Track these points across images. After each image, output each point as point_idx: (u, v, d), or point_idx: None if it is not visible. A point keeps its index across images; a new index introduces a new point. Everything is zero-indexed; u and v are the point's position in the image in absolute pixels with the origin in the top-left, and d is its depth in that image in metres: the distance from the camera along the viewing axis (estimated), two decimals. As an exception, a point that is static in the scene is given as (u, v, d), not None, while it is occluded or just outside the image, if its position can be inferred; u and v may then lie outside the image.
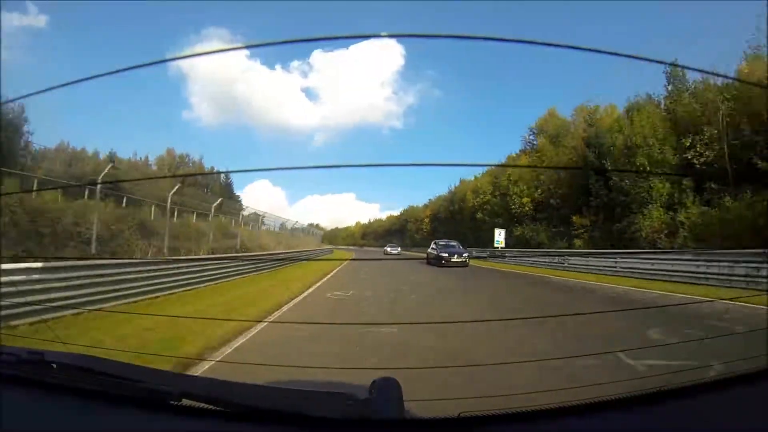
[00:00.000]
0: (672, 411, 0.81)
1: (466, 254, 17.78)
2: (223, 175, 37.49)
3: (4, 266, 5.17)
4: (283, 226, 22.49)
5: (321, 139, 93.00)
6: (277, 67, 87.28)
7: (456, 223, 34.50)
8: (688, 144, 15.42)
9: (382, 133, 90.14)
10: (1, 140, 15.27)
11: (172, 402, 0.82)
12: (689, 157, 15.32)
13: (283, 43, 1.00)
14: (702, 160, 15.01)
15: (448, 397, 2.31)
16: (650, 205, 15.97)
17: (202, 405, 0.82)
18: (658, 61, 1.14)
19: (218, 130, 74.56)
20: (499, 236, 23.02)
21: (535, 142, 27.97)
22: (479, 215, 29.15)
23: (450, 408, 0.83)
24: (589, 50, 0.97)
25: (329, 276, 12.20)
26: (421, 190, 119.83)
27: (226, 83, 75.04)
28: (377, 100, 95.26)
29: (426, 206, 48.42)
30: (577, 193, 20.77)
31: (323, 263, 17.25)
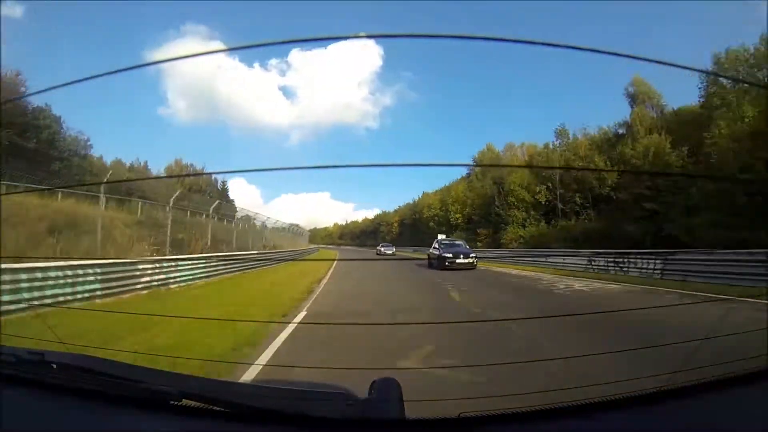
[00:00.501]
0: (672, 411, 0.81)
1: (473, 255, 15.62)
2: (220, 181, 37.48)
3: (5, 266, 5.17)
4: (263, 225, 21.64)
5: (297, 137, 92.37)
6: (256, 65, 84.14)
7: (417, 228, 45.44)
8: (537, 190, 28.48)
9: (358, 133, 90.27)
10: (2, 140, 15.23)
11: (172, 402, 0.82)
12: (539, 198, 28.51)
13: (283, 43, 1.00)
14: (545, 200, 28.43)
15: (448, 397, 2.31)
16: (509, 225, 29.41)
17: (202, 405, 0.82)
18: (657, 62, 1.14)
19: (194, 126, 73.40)
20: (441, 239, 32.74)
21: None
22: (431, 224, 40.10)
23: (450, 408, 0.83)
24: (589, 50, 0.97)
25: (323, 284, 10.14)
26: (395, 190, 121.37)
27: (203, 80, 73.74)
28: (354, 100, 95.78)
29: (395, 212, 62.01)
30: (482, 214, 33.80)
31: (311, 264, 15.97)
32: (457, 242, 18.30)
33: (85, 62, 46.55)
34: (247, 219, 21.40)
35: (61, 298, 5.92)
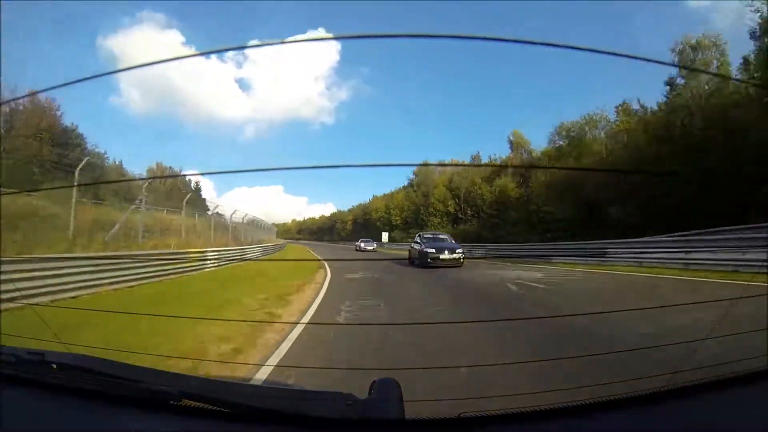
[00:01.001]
0: (672, 411, 0.81)
1: (460, 250, 13.54)
2: (194, 181, 36.54)
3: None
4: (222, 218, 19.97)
5: (251, 131, 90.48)
6: (213, 56, 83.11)
7: (367, 227, 53.56)
8: (449, 203, 38.18)
9: (314, 128, 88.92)
10: (1, 140, 15.26)
11: (172, 402, 0.82)
12: (449, 209, 38.22)
13: (282, 43, 1.00)
14: (453, 209, 37.82)
15: (448, 397, 2.31)
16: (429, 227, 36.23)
17: (202, 405, 0.82)
18: (657, 62, 1.15)
19: (147, 117, 69.15)
20: (384, 236, 41.86)
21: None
22: (378, 224, 49.30)
23: (450, 408, 0.83)
24: (588, 50, 0.97)
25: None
26: (347, 185, 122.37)
27: (158, 69, 71.81)
28: (310, 95, 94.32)
29: (350, 211, 69.97)
30: (414, 218, 43.19)
31: (288, 268, 11.79)
32: (440, 236, 15.90)
33: (34, 48, 44.08)
34: (219, 215, 19.83)
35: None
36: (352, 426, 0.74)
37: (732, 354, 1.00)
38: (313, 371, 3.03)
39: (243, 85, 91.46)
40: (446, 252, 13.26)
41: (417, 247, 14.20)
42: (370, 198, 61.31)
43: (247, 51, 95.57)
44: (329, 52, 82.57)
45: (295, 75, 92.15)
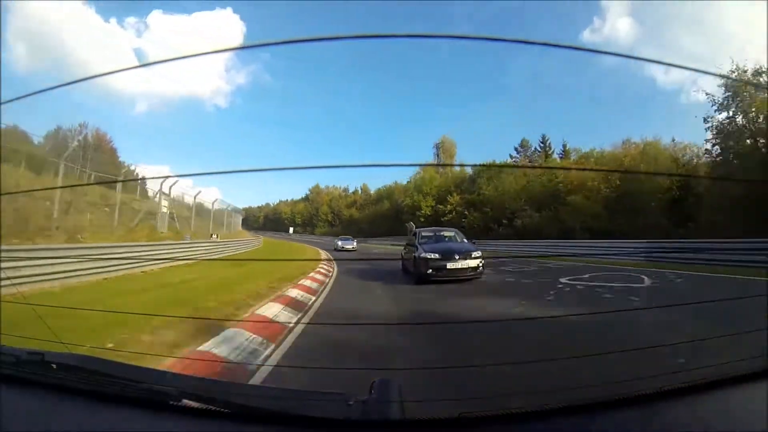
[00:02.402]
0: (672, 411, 0.81)
1: (477, 253, 8.67)
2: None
3: None
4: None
5: (144, 106, 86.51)
6: (113, 20, 80.00)
7: (276, 222, 69.33)
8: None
9: (207, 109, 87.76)
10: (1, 140, 15.27)
11: (172, 402, 0.82)
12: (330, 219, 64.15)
13: (280, 43, 1.00)
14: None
15: (448, 397, 2.31)
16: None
17: (202, 405, 0.82)
18: (656, 62, 1.14)
19: (32, 77, 60.97)
20: (290, 230, 58.27)
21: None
22: (285, 222, 59.00)
23: (450, 408, 0.83)
24: (588, 50, 0.97)
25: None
26: (257, 186, 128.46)
27: (50, 25, 65.23)
28: (208, 74, 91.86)
29: (259, 208, 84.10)
30: (309, 219, 72.35)
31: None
32: (445, 232, 10.97)
33: None
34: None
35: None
36: (353, 426, 0.74)
37: (732, 354, 1.00)
38: (313, 371, 3.03)
39: (140, 55, 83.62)
40: (457, 258, 8.30)
41: (412, 252, 9.36)
42: (277, 201, 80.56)
43: (148, 19, 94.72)
44: (234, 31, 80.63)
45: (195, 51, 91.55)
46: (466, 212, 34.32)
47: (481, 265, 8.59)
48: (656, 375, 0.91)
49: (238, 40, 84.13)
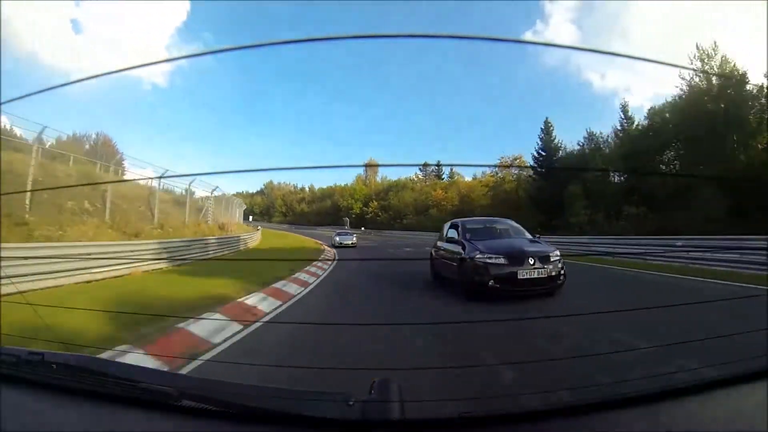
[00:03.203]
0: (672, 411, 0.81)
1: (556, 255, 5.83)
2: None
3: None
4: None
5: (79, 83, 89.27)
6: None
7: (270, 212, 74.71)
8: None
9: (145, 87, 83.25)
10: (1, 140, 15.29)
11: (172, 402, 0.82)
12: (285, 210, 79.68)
13: (281, 43, 1.00)
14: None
15: (448, 397, 2.31)
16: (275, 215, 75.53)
17: (202, 405, 0.82)
18: (656, 62, 1.14)
19: None
20: (250, 218, 49.43)
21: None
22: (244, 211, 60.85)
23: (450, 408, 0.83)
24: (588, 50, 0.97)
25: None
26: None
27: None
28: (148, 51, 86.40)
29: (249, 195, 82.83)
30: (266, 210, 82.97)
31: None
32: (499, 224, 7.52)
33: None
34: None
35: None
36: (353, 426, 0.74)
37: (732, 354, 1.00)
38: (313, 371, 3.03)
39: (76, 26, 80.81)
40: (531, 263, 5.61)
41: (451, 249, 6.79)
42: (234, 192, 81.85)
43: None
44: (177, 8, 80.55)
45: (136, 24, 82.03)
46: (380, 213, 53.06)
47: (562, 272, 5.78)
48: (656, 375, 0.91)
49: (180, 18, 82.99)
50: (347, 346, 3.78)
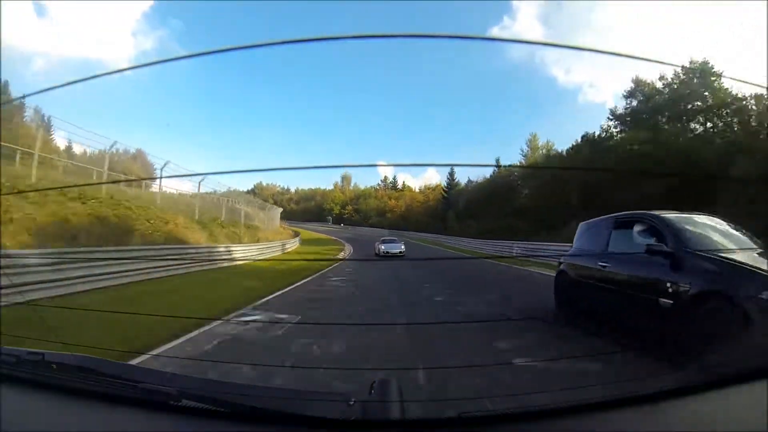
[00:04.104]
0: (672, 411, 0.81)
1: None
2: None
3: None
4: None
5: (41, 66, 76.55)
6: None
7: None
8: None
9: (110, 75, 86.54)
10: (0, 141, 15.26)
11: (172, 402, 0.82)
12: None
13: (282, 43, 1.00)
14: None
15: (448, 397, 2.31)
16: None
17: (202, 405, 0.82)
18: (657, 61, 1.15)
19: None
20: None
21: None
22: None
23: (450, 408, 0.83)
24: (588, 50, 0.97)
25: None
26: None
27: None
28: (114, 37, 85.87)
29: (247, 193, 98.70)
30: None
31: None
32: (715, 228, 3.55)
33: None
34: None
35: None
36: (353, 426, 0.74)
37: (732, 354, 1.00)
38: (313, 371, 3.03)
39: (40, 10, 78.83)
40: None
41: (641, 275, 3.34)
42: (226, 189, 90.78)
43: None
44: None
45: (101, 9, 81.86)
46: (353, 214, 70.92)
47: None
48: (656, 375, 0.91)
49: (148, 3, 78.66)
50: (347, 346, 3.78)
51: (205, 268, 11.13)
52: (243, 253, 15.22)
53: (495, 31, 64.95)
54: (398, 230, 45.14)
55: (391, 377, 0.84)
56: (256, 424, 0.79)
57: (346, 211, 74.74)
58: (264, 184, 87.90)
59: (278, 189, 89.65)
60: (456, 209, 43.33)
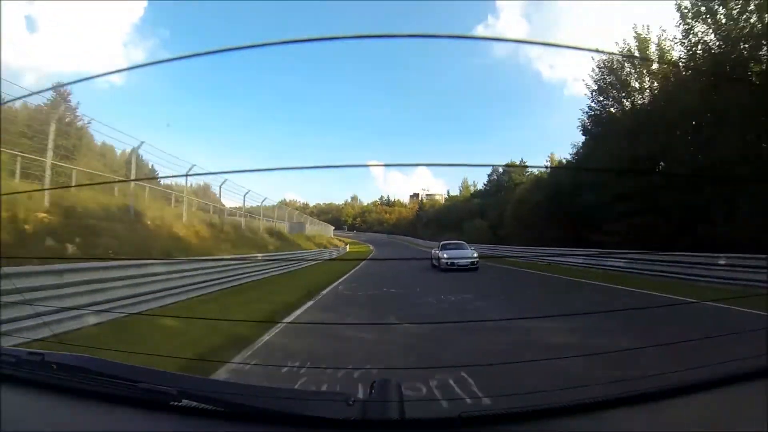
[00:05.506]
0: (672, 411, 0.81)
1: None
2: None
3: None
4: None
5: (32, 80, 78.44)
6: None
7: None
8: None
9: (101, 86, 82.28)
10: (1, 140, 15.26)
11: (172, 402, 0.82)
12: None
13: (282, 43, 1.00)
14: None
15: (448, 397, 2.31)
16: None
17: (202, 405, 0.82)
18: (657, 61, 1.13)
19: None
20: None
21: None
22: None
23: (450, 408, 0.83)
24: (588, 50, 0.97)
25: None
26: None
27: None
28: (105, 49, 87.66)
29: (270, 207, 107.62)
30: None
31: None
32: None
33: None
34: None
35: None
36: (352, 426, 0.74)
37: (732, 354, 1.00)
38: (313, 371, 3.03)
39: (30, 23, 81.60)
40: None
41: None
42: (256, 204, 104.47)
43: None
44: (134, 6, 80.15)
45: (92, 22, 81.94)
46: (362, 224, 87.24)
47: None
48: (656, 375, 0.91)
49: (137, 14, 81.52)
50: (348, 345, 3.78)
51: (301, 266, 16.02)
52: (326, 254, 23.66)
53: (480, 30, 65.84)
54: (393, 234, 63.12)
55: (391, 377, 0.84)
56: (256, 424, 0.78)
57: (357, 222, 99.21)
58: (287, 200, 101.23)
59: (299, 204, 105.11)
60: (425, 221, 62.46)
